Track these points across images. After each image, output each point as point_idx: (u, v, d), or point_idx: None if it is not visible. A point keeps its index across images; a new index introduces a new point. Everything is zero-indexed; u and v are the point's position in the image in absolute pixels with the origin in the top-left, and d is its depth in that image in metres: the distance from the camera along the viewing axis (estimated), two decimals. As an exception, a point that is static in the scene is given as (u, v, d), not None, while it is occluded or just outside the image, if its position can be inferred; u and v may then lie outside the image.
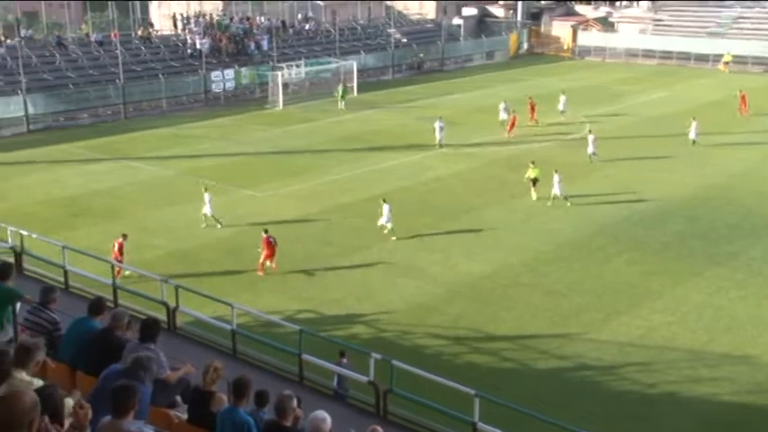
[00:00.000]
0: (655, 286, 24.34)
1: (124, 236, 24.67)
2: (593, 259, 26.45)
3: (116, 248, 24.07)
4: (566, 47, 78.87)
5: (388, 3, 78.24)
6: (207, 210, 28.83)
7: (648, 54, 71.83)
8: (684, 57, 69.93)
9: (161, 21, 67.46)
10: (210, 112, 50.97)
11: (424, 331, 21.52)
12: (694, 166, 37.64)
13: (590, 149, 37.80)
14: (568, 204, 31.30)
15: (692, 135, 41.03)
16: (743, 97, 48.58)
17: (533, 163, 33.28)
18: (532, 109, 45.44)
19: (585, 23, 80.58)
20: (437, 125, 40.94)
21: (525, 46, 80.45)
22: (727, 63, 66.88)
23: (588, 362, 20.08)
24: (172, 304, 16.77)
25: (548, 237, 28.43)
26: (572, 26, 79.90)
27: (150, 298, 17.66)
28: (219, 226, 28.76)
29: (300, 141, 42.69)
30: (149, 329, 9.60)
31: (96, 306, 10.37)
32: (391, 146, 41.24)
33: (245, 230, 28.77)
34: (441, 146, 40.44)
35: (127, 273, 22.42)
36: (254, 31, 61.54)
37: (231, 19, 62.30)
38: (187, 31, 59.34)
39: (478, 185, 34.63)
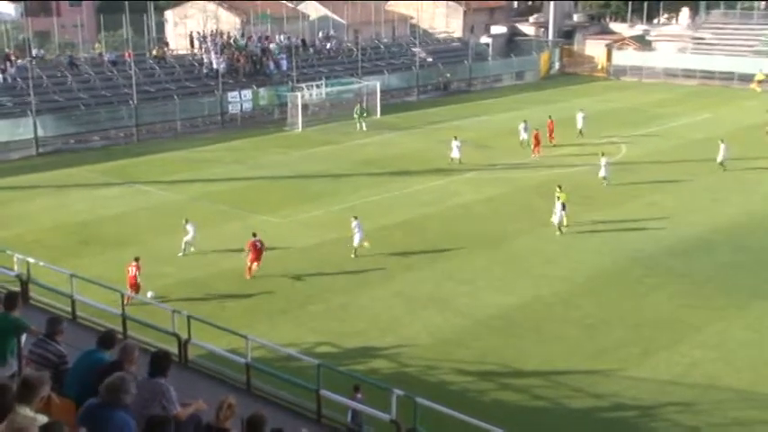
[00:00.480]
0: (697, 321, 24.03)
1: (137, 259, 25.22)
2: (630, 291, 26.19)
3: (132, 273, 24.69)
4: (600, 66, 78.80)
5: (413, 21, 78.84)
6: (189, 237, 29.30)
7: (689, 74, 71.57)
8: (727, 77, 69.58)
9: (176, 40, 68.49)
10: (226, 134, 51.44)
11: (450, 366, 21.38)
12: (740, 192, 37.30)
13: (602, 173, 38.13)
14: (557, 234, 31.23)
15: (719, 158, 40.80)
16: None
17: (560, 187, 33.36)
18: (551, 130, 46.07)
19: (621, 42, 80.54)
20: (454, 144, 42.56)
21: (557, 66, 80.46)
22: (760, 82, 66.60)
23: (625, 401, 19.80)
24: (183, 336, 16.79)
25: (582, 267, 28.23)
26: (607, 45, 79.90)
27: (161, 329, 17.69)
28: (181, 254, 29.12)
29: (319, 165, 42.91)
30: (160, 363, 9.60)
31: (107, 339, 10.39)
32: (415, 170, 41.33)
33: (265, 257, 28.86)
34: (460, 162, 41.98)
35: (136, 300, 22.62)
36: (273, 49, 62.17)
37: (249, 38, 63.05)
38: (203, 50, 60.11)
39: (508, 212, 34.53)
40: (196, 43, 61.59)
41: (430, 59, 70.86)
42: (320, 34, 69.13)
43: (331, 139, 49.37)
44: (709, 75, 70.55)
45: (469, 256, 29.32)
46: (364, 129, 51.33)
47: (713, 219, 33.48)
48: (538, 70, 76.62)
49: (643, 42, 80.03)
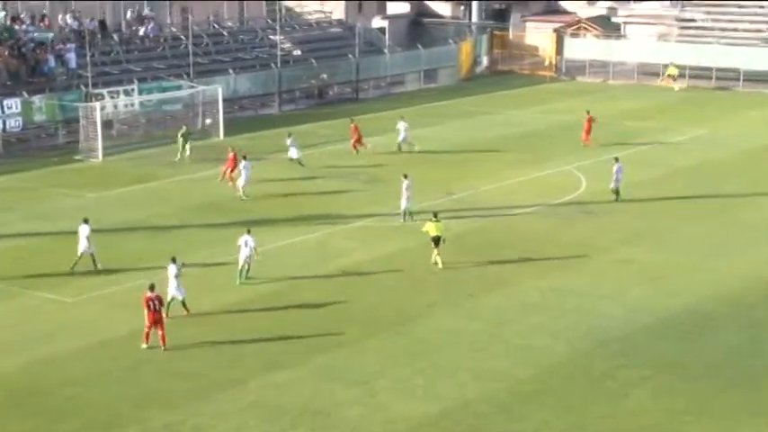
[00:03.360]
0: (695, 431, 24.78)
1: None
2: (598, 391, 26.71)
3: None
4: (547, 62, 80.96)
5: (272, -3, 79.42)
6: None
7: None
8: (729, 76, 72.66)
9: None
10: (-18, 167, 50.52)
11: None
12: (751, 246, 38.72)
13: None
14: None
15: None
16: None
17: (435, 216, 35.37)
18: (357, 133, 52.27)
19: (576, 26, 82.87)
20: (289, 141, 47.71)
21: (485, 61, 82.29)
22: (673, 78, 71.16)
23: None
24: None
25: (526, 356, 28.69)
26: (556, 30, 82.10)
27: None
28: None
29: (132, 213, 42.57)
30: None
31: None
32: (276, 218, 41.45)
33: (42, 360, 28.25)
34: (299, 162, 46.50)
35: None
36: (55, 36, 61.46)
37: (16, 18, 62.01)
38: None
39: (418, 278, 34.90)
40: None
41: (298, 53, 71.48)
42: (129, 14, 68.76)
43: (149, 173, 49.03)
44: (703, 73, 73.18)
45: (361, 346, 29.41)
46: (187, 155, 51.30)
47: (713, 283, 34.60)
48: (457, 68, 78.11)
49: (608, 26, 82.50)
